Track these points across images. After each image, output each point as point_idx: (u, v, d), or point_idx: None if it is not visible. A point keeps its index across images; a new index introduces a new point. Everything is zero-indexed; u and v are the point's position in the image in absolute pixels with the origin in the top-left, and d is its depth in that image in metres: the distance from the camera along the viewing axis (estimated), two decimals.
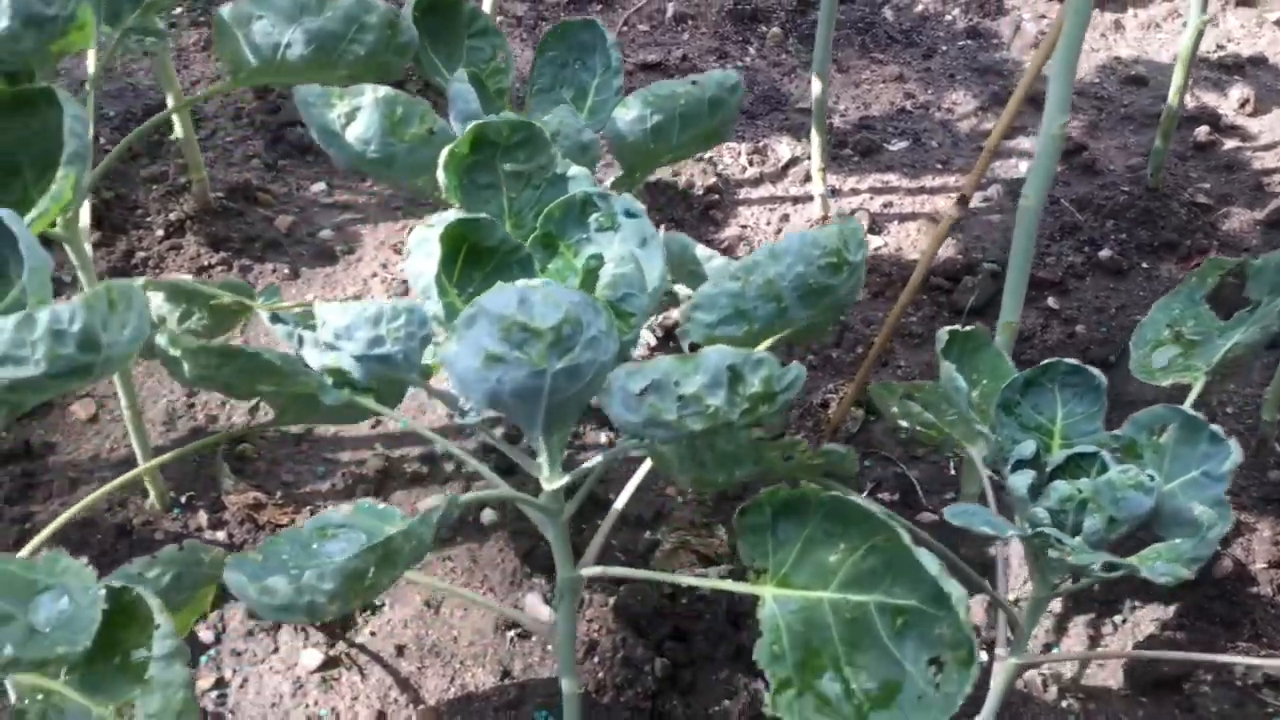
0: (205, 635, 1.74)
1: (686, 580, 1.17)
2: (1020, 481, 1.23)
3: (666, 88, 1.37)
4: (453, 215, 1.10)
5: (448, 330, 1.00)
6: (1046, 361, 1.29)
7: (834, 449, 1.12)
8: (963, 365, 1.28)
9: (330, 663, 1.72)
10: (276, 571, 0.94)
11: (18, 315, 0.95)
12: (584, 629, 1.75)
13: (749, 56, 2.73)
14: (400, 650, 1.74)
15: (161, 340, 1.23)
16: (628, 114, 1.37)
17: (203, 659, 1.72)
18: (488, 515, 1.90)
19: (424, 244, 1.09)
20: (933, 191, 2.45)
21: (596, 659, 1.72)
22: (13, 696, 1.06)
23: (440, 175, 1.17)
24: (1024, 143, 2.56)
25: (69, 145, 1.14)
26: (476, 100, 1.30)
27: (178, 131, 2.01)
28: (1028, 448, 1.25)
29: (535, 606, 1.80)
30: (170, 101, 2.03)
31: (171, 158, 2.35)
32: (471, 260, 1.13)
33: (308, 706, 1.67)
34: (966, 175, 2.19)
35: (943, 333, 1.30)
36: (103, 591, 1.00)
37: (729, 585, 1.14)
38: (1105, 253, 2.28)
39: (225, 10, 1.31)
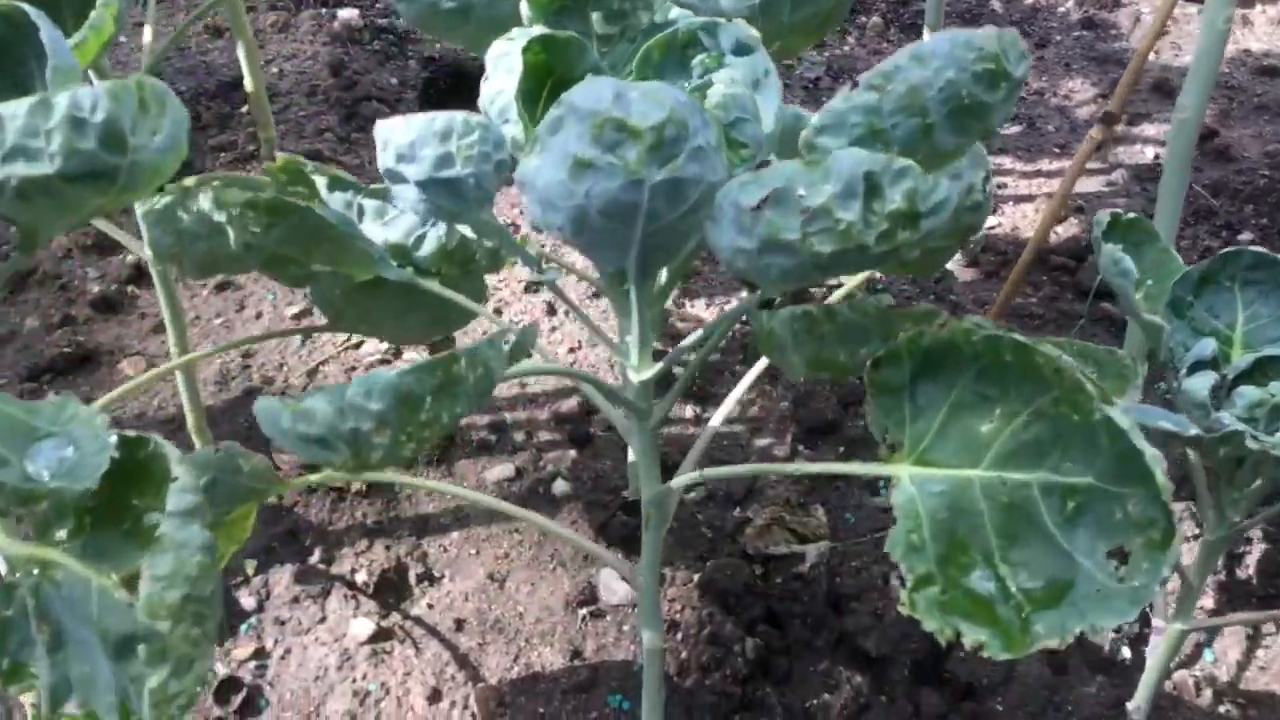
0: (247, 601, 1.58)
1: (808, 468, 0.98)
2: (1200, 385, 1.03)
3: None
4: (536, 30, 0.95)
5: (527, 148, 0.85)
6: (1226, 251, 1.09)
7: (981, 321, 0.93)
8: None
9: (382, 634, 1.54)
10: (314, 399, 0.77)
11: (33, 99, 0.81)
12: (665, 609, 1.56)
13: (848, 45, 2.59)
14: (460, 625, 1.56)
15: (205, 201, 1.08)
16: None
17: (243, 627, 1.55)
18: (560, 487, 1.72)
19: (503, 59, 0.94)
20: (1049, 175, 2.27)
21: (680, 636, 1.53)
22: (2, 569, 0.91)
23: (524, 10, 1.02)
24: (1148, 129, 2.38)
25: None
26: None
27: (249, 85, 1.90)
28: (1206, 346, 1.05)
29: (610, 583, 1.61)
30: (242, 54, 1.93)
31: (241, 128, 2.25)
32: (556, 92, 0.98)
33: (355, 681, 1.49)
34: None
35: (1102, 215, 1.11)
36: (114, 438, 0.84)
37: (857, 468, 0.95)
38: (1245, 235, 2.07)
39: None
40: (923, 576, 0.86)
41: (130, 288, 1.96)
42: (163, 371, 1.34)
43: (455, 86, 2.40)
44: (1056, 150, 2.35)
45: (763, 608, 1.57)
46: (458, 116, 0.89)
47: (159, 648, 0.79)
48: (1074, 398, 0.85)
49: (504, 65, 0.94)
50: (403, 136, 0.90)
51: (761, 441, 1.83)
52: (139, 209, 1.47)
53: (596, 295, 2.04)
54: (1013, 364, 0.86)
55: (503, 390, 1.87)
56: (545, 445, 1.80)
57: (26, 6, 0.92)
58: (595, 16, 1.08)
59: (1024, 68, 0.89)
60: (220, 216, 1.09)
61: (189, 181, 1.15)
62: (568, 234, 0.87)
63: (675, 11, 1.06)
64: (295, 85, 2.38)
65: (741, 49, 0.99)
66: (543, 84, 1.00)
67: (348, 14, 2.56)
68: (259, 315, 1.93)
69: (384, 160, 0.92)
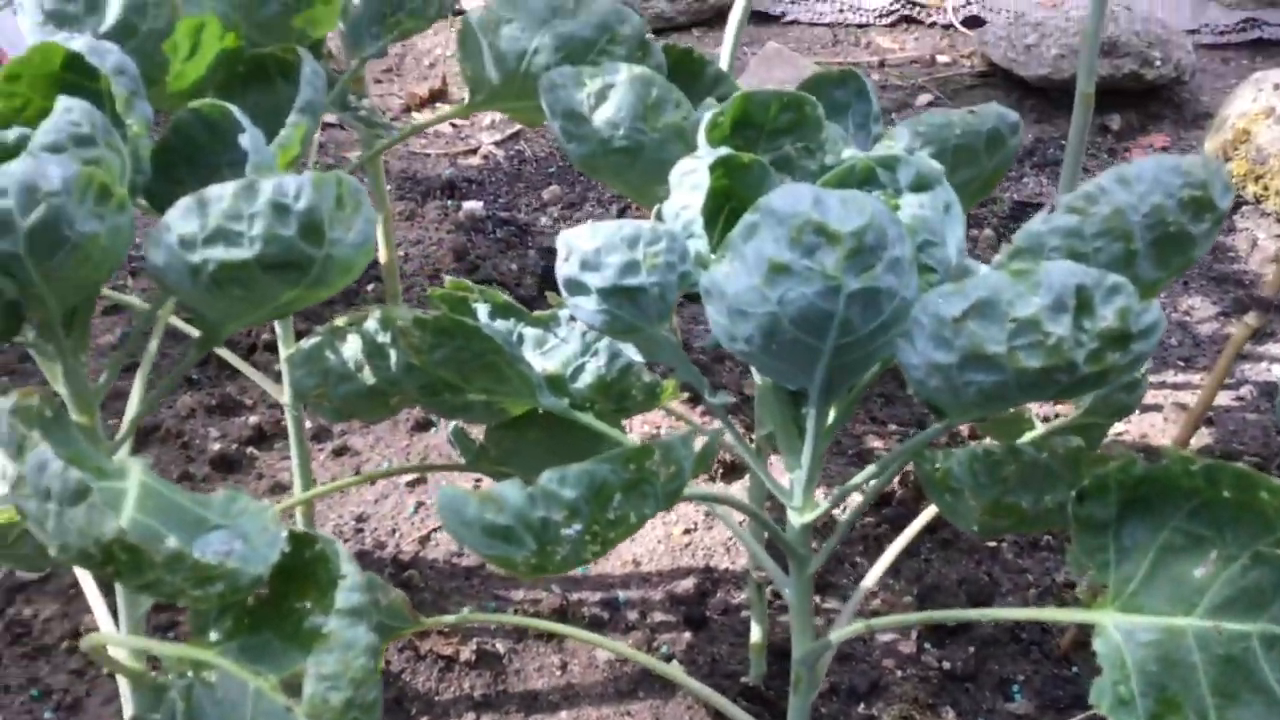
0: None
1: (997, 614, 0.91)
2: None
3: (940, 116, 1.23)
4: (723, 150, 0.96)
5: (717, 255, 0.84)
6: None
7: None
8: None
9: None
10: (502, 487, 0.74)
11: (240, 182, 0.83)
12: None
13: None
14: None
15: (371, 324, 1.08)
16: (894, 146, 1.23)
17: None
18: (674, 668, 1.64)
19: (689, 175, 0.95)
20: (1176, 387, 2.23)
21: None
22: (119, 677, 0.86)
23: (702, 146, 1.03)
24: (1274, 348, 2.34)
25: (303, 94, 1.06)
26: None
27: (382, 256, 1.94)
28: None
29: None
30: (379, 227, 1.98)
31: (367, 302, 2.30)
32: (734, 218, 0.97)
33: None
34: (1210, 373, 1.96)
35: None
36: (284, 533, 0.81)
37: (1056, 614, 0.88)
38: None
39: (474, 15, 1.25)
40: None
41: (250, 449, 1.96)
42: (287, 506, 1.32)
43: None
44: (1180, 363, 2.32)
45: None
46: (644, 225, 0.89)
47: None
48: None
49: (689, 181, 0.94)
50: (588, 243, 0.90)
51: (884, 637, 1.74)
52: (283, 351, 1.48)
53: (718, 478, 2.00)
54: (1231, 501, 0.81)
55: (616, 567, 1.82)
56: (659, 626, 1.72)
57: (232, 106, 0.95)
58: (764, 158, 1.09)
59: (1228, 200, 0.87)
60: (384, 337, 1.09)
61: (340, 321, 1.15)
62: (755, 344, 0.85)
63: (848, 153, 1.06)
64: (420, 268, 2.44)
65: (920, 185, 0.99)
66: (721, 207, 1.00)
67: (472, 205, 2.66)
68: (373, 482, 1.92)
69: (565, 269, 0.92)
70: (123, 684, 1.07)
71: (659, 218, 1.03)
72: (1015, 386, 0.81)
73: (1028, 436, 1.19)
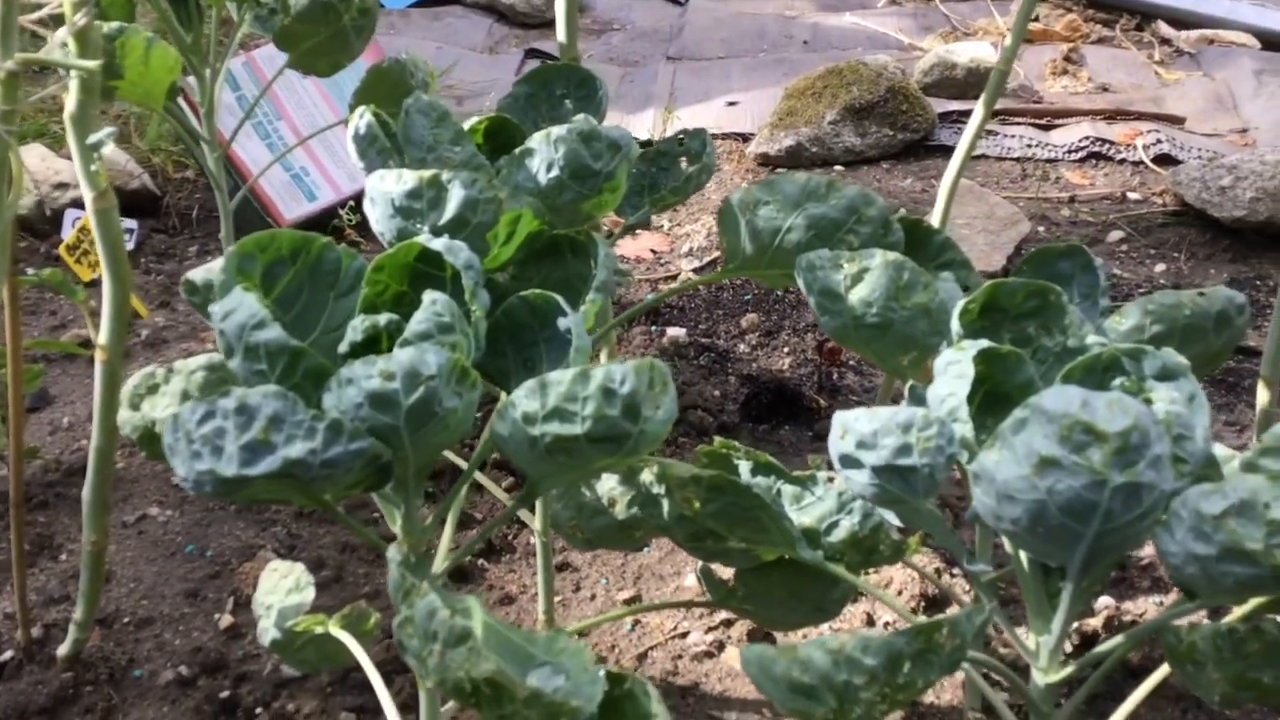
0: None
1: None
2: None
3: (1171, 296, 1.31)
4: (984, 342, 1.07)
5: (984, 445, 0.94)
6: None
7: None
8: None
9: None
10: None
11: (575, 370, 0.97)
12: None
13: None
14: None
15: (647, 476, 1.22)
16: (1124, 324, 1.32)
17: None
18: None
19: (953, 365, 1.06)
20: None
21: None
22: None
23: (954, 327, 1.15)
24: None
25: (599, 275, 1.21)
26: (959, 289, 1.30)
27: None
28: None
29: None
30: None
31: None
32: (988, 402, 1.08)
33: None
34: None
35: None
36: (603, 672, 0.94)
37: None
38: None
39: (735, 196, 1.39)
40: None
41: (480, 560, 2.12)
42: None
43: (774, 402, 2.56)
44: None
45: None
46: (918, 412, 1.00)
47: None
48: None
49: (954, 371, 1.06)
50: (866, 426, 1.01)
51: None
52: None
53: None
54: None
55: None
56: None
57: (557, 296, 1.10)
58: (1006, 338, 1.19)
59: None
60: (658, 489, 1.22)
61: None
62: (1021, 526, 0.95)
63: (1092, 338, 1.16)
64: None
65: (1165, 375, 1.08)
66: (975, 392, 1.10)
67: (675, 332, 2.81)
68: (593, 597, 2.05)
69: (840, 446, 1.04)
70: None
71: (915, 398, 1.14)
72: (1271, 579, 0.89)
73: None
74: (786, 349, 2.80)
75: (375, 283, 1.10)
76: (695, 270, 3.18)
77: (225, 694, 1.78)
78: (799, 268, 1.29)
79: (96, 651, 1.86)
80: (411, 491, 1.07)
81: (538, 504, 1.62)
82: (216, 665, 1.84)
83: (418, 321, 1.00)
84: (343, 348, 1.05)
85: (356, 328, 1.05)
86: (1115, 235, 3.21)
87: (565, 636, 0.97)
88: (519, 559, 2.15)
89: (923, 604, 2.08)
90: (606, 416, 0.98)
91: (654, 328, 2.87)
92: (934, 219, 2.02)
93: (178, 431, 0.93)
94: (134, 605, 1.98)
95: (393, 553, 0.89)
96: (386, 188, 1.19)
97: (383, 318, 1.05)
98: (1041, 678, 1.09)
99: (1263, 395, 2.01)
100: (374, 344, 1.06)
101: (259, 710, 1.77)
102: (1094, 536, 0.93)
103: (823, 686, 0.84)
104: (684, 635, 1.98)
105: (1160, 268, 3.06)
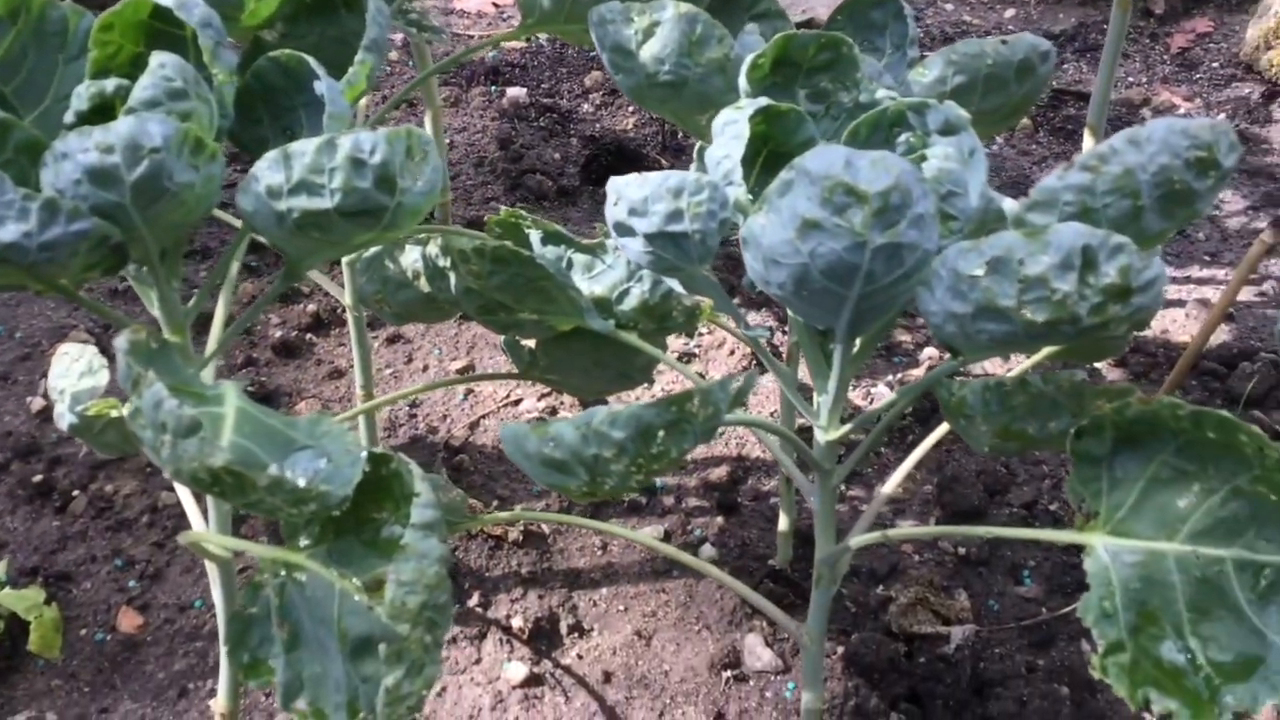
0: None
1: (1001, 531, 1.01)
2: None
3: (974, 45, 1.28)
4: (762, 101, 1.02)
5: (753, 209, 0.91)
6: None
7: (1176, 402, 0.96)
8: None
9: (534, 680, 1.59)
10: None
11: (320, 139, 0.91)
12: None
13: (996, 144, 2.64)
14: (607, 677, 1.60)
15: (432, 249, 1.17)
16: (927, 75, 1.28)
17: None
18: (706, 551, 1.76)
19: (730, 125, 1.02)
20: (1198, 281, 2.28)
21: (825, 705, 1.54)
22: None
23: (742, 84, 1.10)
24: None
25: (369, 32, 1.12)
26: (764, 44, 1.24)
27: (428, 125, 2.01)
28: None
29: (756, 649, 1.64)
30: (428, 123, 2.05)
31: None
32: (771, 163, 1.05)
33: None
34: (1236, 269, 2.02)
35: None
36: (364, 453, 0.92)
37: (1051, 534, 0.98)
38: None
39: None
40: (1114, 644, 0.88)
41: (309, 335, 2.07)
42: (355, 413, 1.43)
43: (615, 164, 2.50)
44: (1206, 258, 2.36)
45: (906, 685, 1.58)
46: (689, 176, 0.96)
47: (396, 649, 0.85)
48: (1274, 477, 0.87)
49: (731, 131, 1.01)
50: (636, 192, 0.97)
51: (905, 523, 1.86)
52: (344, 258, 1.58)
53: (750, 365, 2.09)
54: (1214, 441, 0.89)
55: None
56: (693, 510, 1.84)
57: (308, 57, 1.02)
58: (801, 94, 1.15)
59: (1234, 159, 0.94)
60: (444, 262, 1.18)
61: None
62: (788, 290, 0.93)
63: (881, 93, 1.12)
64: (465, 156, 2.51)
65: (948, 129, 1.05)
66: (759, 152, 1.06)
67: (516, 92, 2.70)
68: (426, 368, 2.03)
69: (614, 213, 1.00)
70: (211, 570, 1.19)
71: (700, 162, 1.10)
72: (1024, 336, 0.89)
73: (1029, 363, 1.27)
74: (631, 108, 2.71)
75: (105, 44, 1.00)
76: None
77: (39, 478, 1.74)
78: (590, 22, 1.22)
79: None
80: (162, 275, 1.00)
81: (345, 277, 1.57)
82: (29, 449, 1.79)
83: (143, 88, 0.92)
84: (68, 118, 0.96)
85: (81, 95, 0.96)
86: None
87: (327, 419, 0.94)
88: (349, 333, 2.11)
89: (754, 363, 2.11)
90: (357, 189, 0.92)
91: (494, 88, 2.76)
92: None
93: None
94: None
95: (120, 341, 0.84)
96: None
97: (110, 83, 0.96)
98: (822, 435, 1.10)
99: (1088, 143, 2.01)
100: (106, 112, 0.97)
101: (76, 493, 1.73)
102: (858, 298, 0.92)
103: (573, 461, 0.83)
104: (516, 403, 1.98)
105: (1010, 13, 3.01)
